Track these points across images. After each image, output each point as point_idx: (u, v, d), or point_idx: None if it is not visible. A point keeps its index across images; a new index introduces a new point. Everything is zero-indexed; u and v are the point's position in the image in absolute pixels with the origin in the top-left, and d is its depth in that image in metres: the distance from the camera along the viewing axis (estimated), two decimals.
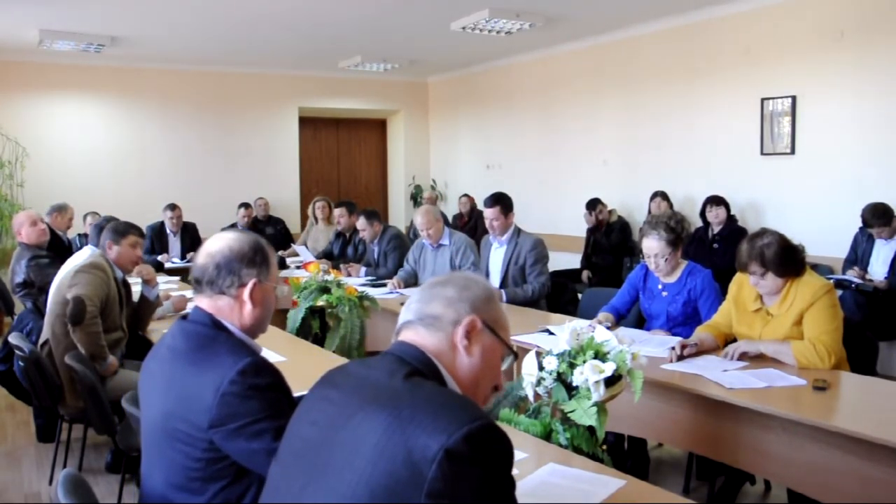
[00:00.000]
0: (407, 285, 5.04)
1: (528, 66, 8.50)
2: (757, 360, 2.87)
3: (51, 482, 3.68)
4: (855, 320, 4.70)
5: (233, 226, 7.90)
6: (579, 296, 4.72)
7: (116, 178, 8.39)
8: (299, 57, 8.43)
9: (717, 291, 3.40)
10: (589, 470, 1.93)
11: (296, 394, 1.66)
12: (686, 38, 6.62)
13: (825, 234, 5.46)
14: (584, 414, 2.09)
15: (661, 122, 6.91)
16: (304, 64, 8.91)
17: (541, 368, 2.20)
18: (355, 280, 5.40)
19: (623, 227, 7.01)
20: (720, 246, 5.89)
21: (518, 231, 4.58)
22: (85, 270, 3.43)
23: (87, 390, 3.12)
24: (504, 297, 4.33)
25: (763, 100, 5.98)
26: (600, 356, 2.17)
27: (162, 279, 4.91)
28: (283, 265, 6.57)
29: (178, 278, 6.00)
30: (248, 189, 8.79)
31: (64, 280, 3.48)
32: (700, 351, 3.00)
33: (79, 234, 6.84)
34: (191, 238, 7.48)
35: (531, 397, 2.25)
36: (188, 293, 4.61)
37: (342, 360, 2.97)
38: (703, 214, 6.16)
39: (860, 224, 5.19)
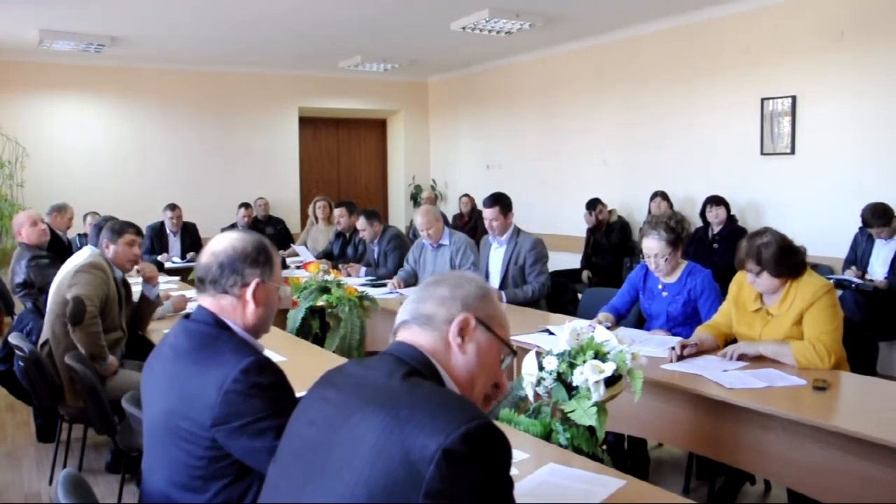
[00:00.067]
0: (407, 285, 5.04)
1: (528, 66, 8.50)
2: (757, 360, 2.87)
3: (51, 482, 3.68)
4: (855, 320, 4.69)
5: (233, 226, 7.91)
6: (579, 296, 4.71)
7: (116, 178, 8.39)
8: (299, 57, 8.43)
9: (717, 291, 3.40)
10: (589, 470, 1.93)
11: (297, 394, 1.66)
12: (686, 38, 6.62)
13: (825, 234, 5.46)
14: (584, 414, 2.09)
15: (661, 122, 6.91)
16: (304, 64, 8.91)
17: (541, 368, 2.21)
18: (355, 280, 5.40)
19: (623, 227, 7.01)
20: (720, 246, 5.89)
21: (517, 231, 4.58)
22: (84, 270, 3.43)
23: (87, 390, 3.12)
24: (504, 298, 4.33)
25: (763, 100, 5.98)
26: (600, 356, 2.17)
27: (162, 279, 4.91)
28: (283, 265, 6.57)
29: (178, 278, 6.00)
30: (248, 189, 8.79)
31: (64, 280, 3.48)
32: (700, 351, 3.00)
33: (79, 234, 6.84)
34: (191, 238, 7.48)
35: (531, 397, 2.25)
36: (188, 293, 4.62)
37: (342, 360, 2.97)
38: (703, 214, 6.17)
39: (860, 224, 5.19)
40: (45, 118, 8.10)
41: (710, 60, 6.42)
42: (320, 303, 4.30)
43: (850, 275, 5.15)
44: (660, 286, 3.53)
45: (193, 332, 1.75)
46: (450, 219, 8.73)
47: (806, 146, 5.78)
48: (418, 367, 1.32)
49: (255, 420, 1.60)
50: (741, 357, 2.88)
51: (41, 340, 3.57)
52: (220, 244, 1.79)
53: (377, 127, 10.74)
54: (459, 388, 1.37)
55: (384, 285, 5.14)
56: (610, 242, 6.95)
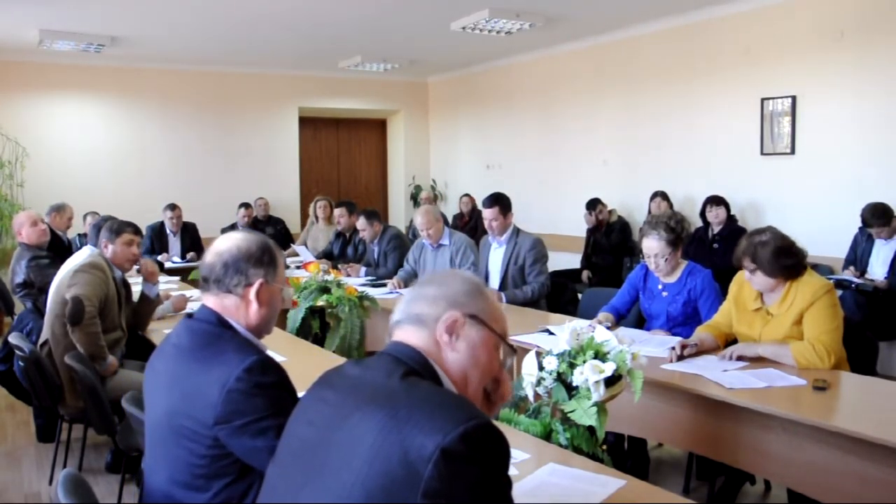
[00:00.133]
0: (407, 285, 5.04)
1: (528, 66, 8.50)
2: (756, 360, 2.87)
3: (51, 482, 3.68)
4: (855, 320, 4.69)
5: (233, 226, 7.91)
6: (579, 296, 4.71)
7: (116, 178, 8.39)
8: (299, 57, 8.43)
9: (717, 291, 3.40)
10: (589, 470, 1.92)
11: (298, 394, 1.67)
12: (686, 38, 6.62)
13: (825, 234, 5.46)
14: (584, 414, 2.09)
15: (661, 122, 6.91)
16: (304, 64, 8.91)
17: (541, 368, 2.21)
18: (355, 280, 5.40)
19: (623, 227, 7.01)
20: (720, 246, 5.89)
21: (517, 231, 4.58)
22: (83, 270, 3.43)
23: (87, 390, 3.12)
24: (504, 299, 4.33)
25: (763, 100, 5.98)
26: (600, 356, 2.17)
27: (162, 279, 4.91)
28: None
29: (177, 278, 6.00)
30: (248, 189, 8.79)
31: (63, 280, 3.48)
32: (700, 351, 3.00)
33: (79, 234, 6.84)
34: (191, 238, 7.48)
35: (531, 397, 2.25)
36: (188, 293, 4.62)
37: (342, 360, 2.97)
38: (703, 214, 6.17)
39: (860, 224, 5.19)
40: (45, 118, 8.10)
41: (710, 60, 6.42)
42: (320, 303, 4.30)
43: (849, 275, 5.15)
44: (660, 286, 3.53)
45: (196, 330, 1.75)
46: (450, 219, 8.73)
47: (806, 146, 5.78)
48: (416, 367, 1.31)
49: (257, 419, 1.60)
50: (740, 358, 2.88)
51: (41, 340, 3.57)
52: (224, 244, 1.80)
53: (377, 127, 10.74)
54: (455, 386, 1.36)
55: (384, 285, 5.14)
56: (610, 242, 6.95)
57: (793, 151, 5.84)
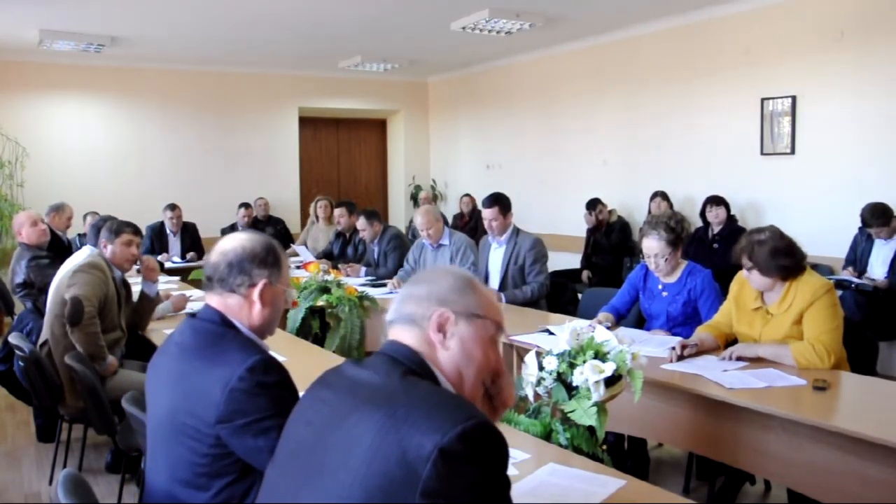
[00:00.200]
0: None
1: (528, 66, 8.50)
2: (756, 360, 2.87)
3: (51, 482, 3.68)
4: (855, 320, 4.69)
5: (233, 226, 7.92)
6: (579, 296, 4.71)
7: (116, 178, 8.39)
8: (299, 57, 8.44)
9: (717, 291, 3.40)
10: (589, 470, 1.92)
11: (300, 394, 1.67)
12: (686, 38, 6.62)
13: (825, 234, 5.46)
14: (584, 414, 2.09)
15: (661, 122, 6.91)
16: (304, 64, 8.91)
17: (541, 368, 2.21)
18: (355, 280, 5.40)
19: (623, 227, 7.01)
20: (720, 246, 5.89)
21: (517, 231, 4.58)
22: (83, 270, 3.42)
23: (87, 390, 3.12)
24: (503, 299, 4.33)
25: (763, 100, 5.98)
26: (600, 356, 2.17)
27: (162, 279, 4.91)
28: None
29: (177, 278, 6.00)
30: (248, 189, 8.79)
31: (62, 280, 3.48)
32: (700, 351, 3.00)
33: (79, 234, 6.83)
34: (191, 238, 7.48)
35: (531, 397, 2.25)
36: (188, 292, 4.61)
37: (342, 360, 2.97)
38: (703, 214, 6.17)
39: (860, 224, 5.19)
40: (45, 118, 8.10)
41: (710, 60, 6.42)
42: (320, 303, 4.30)
43: (849, 275, 5.15)
44: (660, 286, 3.53)
45: (199, 330, 1.76)
46: (450, 219, 8.73)
47: (806, 146, 5.78)
48: (414, 367, 1.31)
49: (258, 419, 1.61)
50: (740, 359, 2.87)
51: (41, 340, 3.57)
52: (229, 243, 1.81)
53: (377, 127, 10.74)
54: (451, 384, 1.36)
55: (384, 285, 5.14)
56: (610, 242, 6.95)
57: (793, 151, 5.84)
